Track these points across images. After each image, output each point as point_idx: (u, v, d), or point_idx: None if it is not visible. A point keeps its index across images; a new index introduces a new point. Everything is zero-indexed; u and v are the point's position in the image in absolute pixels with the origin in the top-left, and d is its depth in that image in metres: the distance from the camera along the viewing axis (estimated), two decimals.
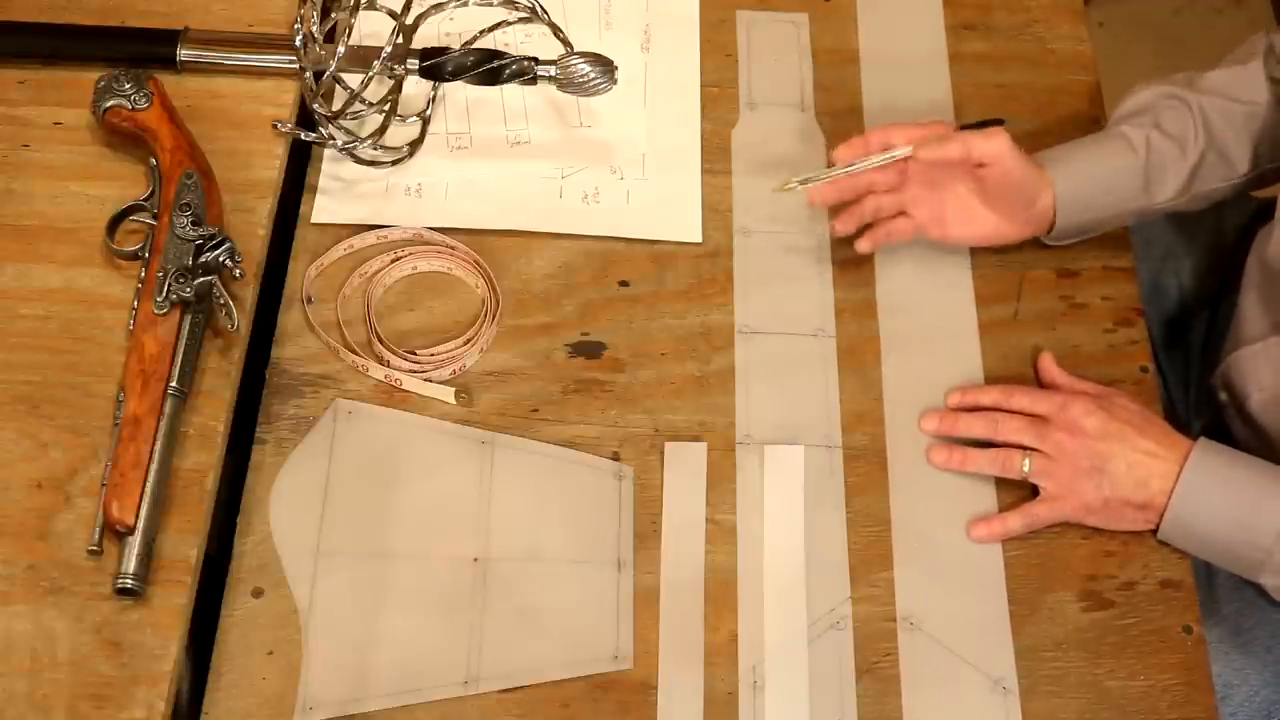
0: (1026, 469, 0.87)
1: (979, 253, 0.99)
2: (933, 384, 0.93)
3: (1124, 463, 0.85)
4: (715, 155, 1.02)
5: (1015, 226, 0.94)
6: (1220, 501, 0.85)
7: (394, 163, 0.98)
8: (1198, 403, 1.07)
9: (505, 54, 0.93)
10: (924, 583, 0.85)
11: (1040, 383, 0.93)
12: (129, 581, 0.77)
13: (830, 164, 0.93)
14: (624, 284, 0.96)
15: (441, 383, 0.90)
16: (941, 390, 0.93)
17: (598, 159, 1.01)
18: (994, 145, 0.89)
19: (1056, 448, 0.86)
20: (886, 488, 0.89)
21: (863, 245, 0.94)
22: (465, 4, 0.92)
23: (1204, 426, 1.06)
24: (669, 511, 0.87)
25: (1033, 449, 0.87)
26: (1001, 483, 0.89)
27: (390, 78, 0.97)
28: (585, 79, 0.92)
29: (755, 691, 0.81)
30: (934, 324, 0.96)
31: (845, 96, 1.06)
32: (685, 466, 0.88)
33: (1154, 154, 0.93)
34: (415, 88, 0.99)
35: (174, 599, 0.79)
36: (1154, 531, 0.87)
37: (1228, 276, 1.07)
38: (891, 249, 0.97)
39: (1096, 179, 0.93)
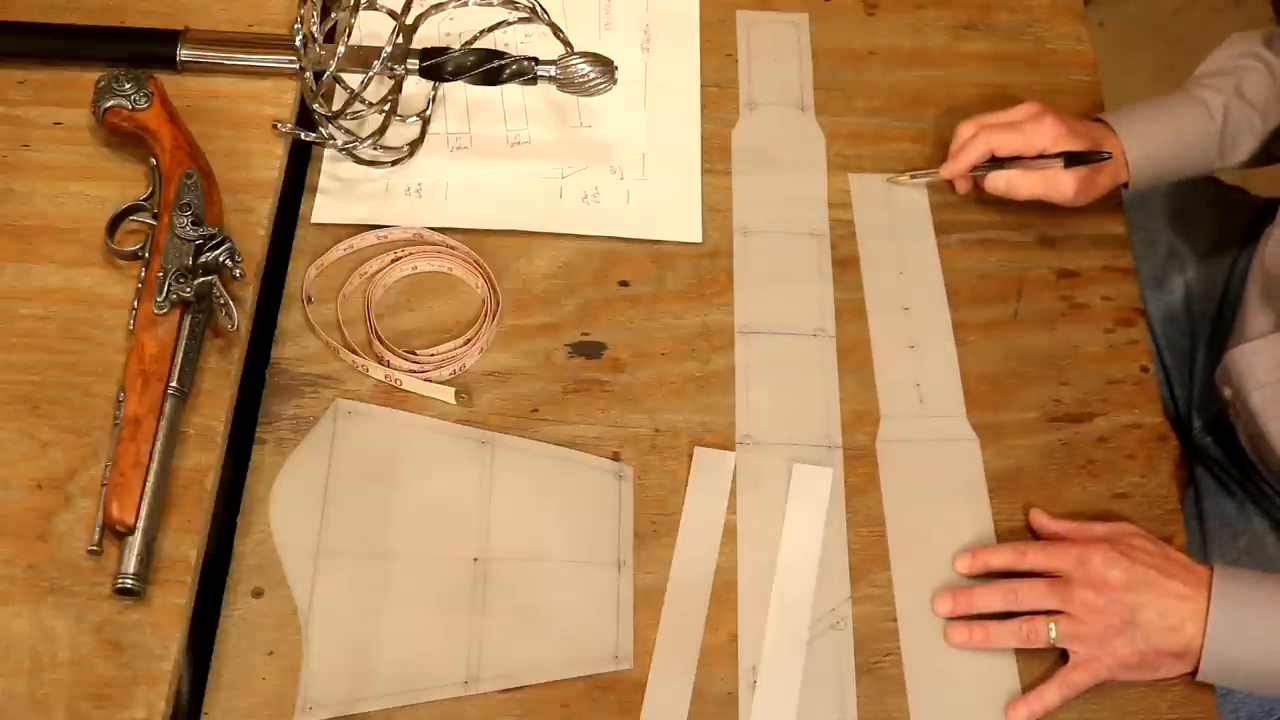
0: (1054, 635, 0.81)
1: (979, 252, 0.99)
2: (932, 385, 0.93)
3: (1155, 611, 0.80)
4: (715, 155, 1.02)
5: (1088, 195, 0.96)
6: (1258, 633, 0.80)
7: (394, 163, 0.98)
8: (1200, 401, 1.07)
9: (505, 54, 0.93)
10: (924, 582, 0.85)
11: (1039, 538, 0.87)
12: (129, 581, 0.77)
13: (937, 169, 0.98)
14: (624, 284, 0.96)
15: (441, 383, 0.90)
16: (941, 390, 0.93)
17: (598, 159, 1.01)
18: (1061, 192, 0.93)
19: (1083, 607, 0.81)
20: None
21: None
22: (465, 4, 0.92)
23: (1206, 423, 1.06)
24: (689, 513, 0.87)
25: (1057, 611, 0.82)
26: (999, 526, 0.88)
27: (390, 78, 0.97)
28: (585, 79, 0.92)
29: (754, 691, 0.81)
30: (931, 324, 0.96)
31: (845, 96, 1.06)
32: (712, 474, 0.88)
33: (1231, 121, 0.92)
34: (415, 88, 0.99)
35: (174, 599, 0.79)
36: (1193, 674, 0.82)
37: (1231, 275, 1.07)
38: (883, 249, 0.98)
39: (1171, 144, 0.92)
